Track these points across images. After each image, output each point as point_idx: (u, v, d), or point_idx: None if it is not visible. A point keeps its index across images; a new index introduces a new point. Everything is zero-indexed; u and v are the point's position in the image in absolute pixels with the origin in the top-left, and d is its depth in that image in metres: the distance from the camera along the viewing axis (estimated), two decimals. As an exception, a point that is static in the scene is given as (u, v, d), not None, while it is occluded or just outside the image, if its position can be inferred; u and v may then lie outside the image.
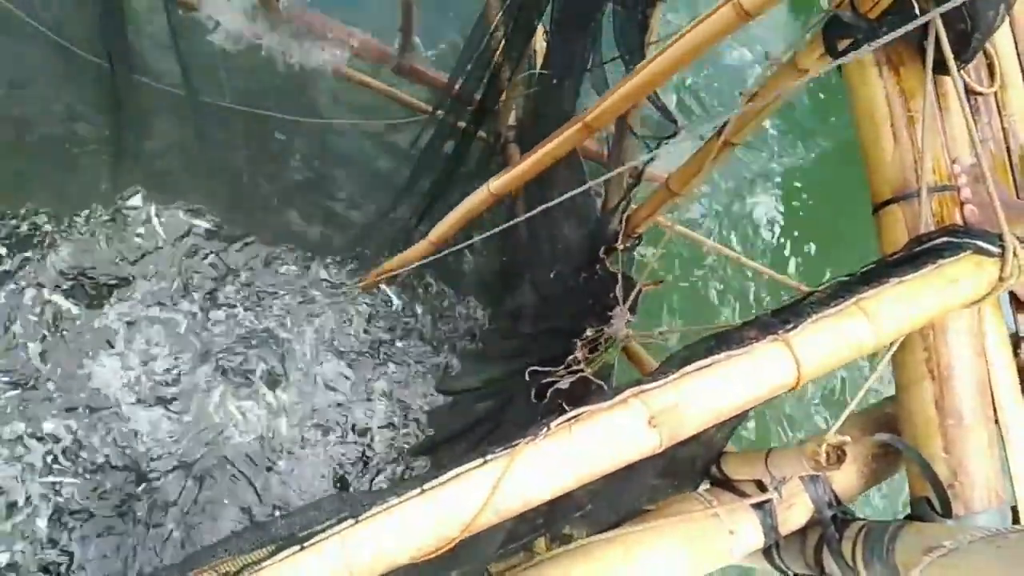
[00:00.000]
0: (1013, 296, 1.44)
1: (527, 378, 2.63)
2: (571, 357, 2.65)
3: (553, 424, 1.06)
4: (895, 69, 1.42)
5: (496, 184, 2.61)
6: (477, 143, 3.59)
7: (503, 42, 3.05)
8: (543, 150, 2.38)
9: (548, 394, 2.48)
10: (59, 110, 3.25)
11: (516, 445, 1.04)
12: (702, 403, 1.09)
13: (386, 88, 3.66)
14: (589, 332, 2.75)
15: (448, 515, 1.01)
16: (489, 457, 1.04)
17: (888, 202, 1.41)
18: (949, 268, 1.19)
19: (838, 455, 1.11)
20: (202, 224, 3.44)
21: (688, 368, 1.09)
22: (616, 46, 2.10)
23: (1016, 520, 1.29)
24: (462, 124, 3.45)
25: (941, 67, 1.32)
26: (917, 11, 1.39)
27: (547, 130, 2.98)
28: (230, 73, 3.46)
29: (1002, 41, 1.50)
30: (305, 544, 0.96)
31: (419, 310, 3.62)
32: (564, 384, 2.49)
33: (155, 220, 3.35)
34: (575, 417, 1.06)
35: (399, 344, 3.48)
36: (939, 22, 1.30)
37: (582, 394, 2.52)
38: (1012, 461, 1.33)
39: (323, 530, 0.97)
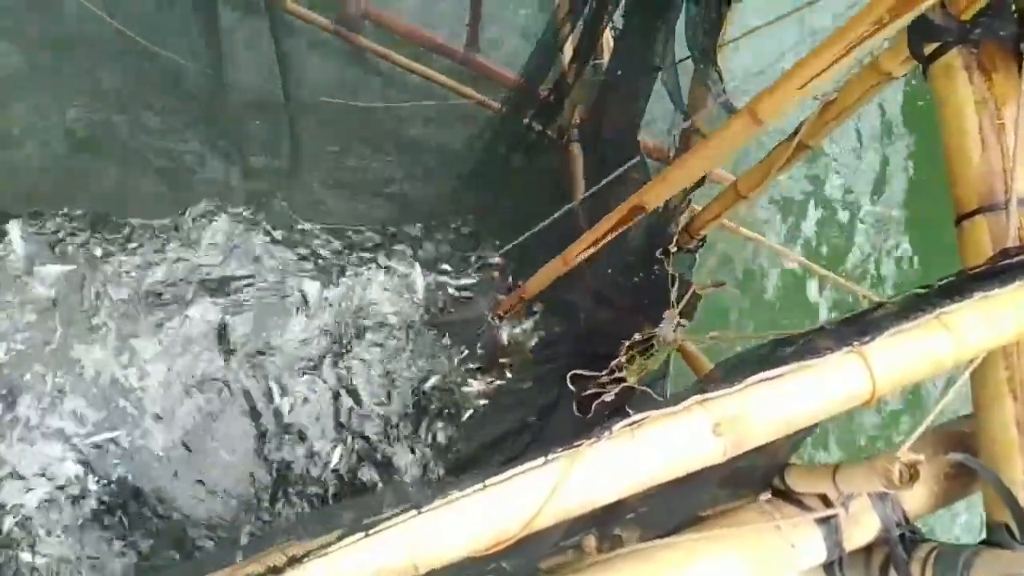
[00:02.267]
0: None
1: (570, 386, 2.61)
2: (615, 362, 2.61)
3: (615, 428, 1.05)
4: (987, 74, 1.36)
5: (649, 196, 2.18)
6: (539, 141, 3.60)
7: (572, 40, 3.04)
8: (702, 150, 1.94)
9: (593, 407, 2.46)
10: (147, 118, 3.38)
11: (578, 446, 1.05)
12: (770, 413, 1.07)
13: (453, 84, 3.69)
14: (638, 336, 2.71)
15: (508, 513, 1.02)
16: (551, 457, 1.04)
17: (973, 213, 1.35)
18: (1041, 285, 1.13)
19: (911, 473, 1.07)
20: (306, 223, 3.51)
21: (754, 377, 1.07)
22: (688, 47, 2.07)
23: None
24: (527, 121, 3.46)
25: (1039, 72, 1.26)
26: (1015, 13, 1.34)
27: (611, 130, 2.98)
28: (311, 69, 3.55)
29: (1107, 46, 1.42)
30: (370, 532, 0.98)
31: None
32: (609, 397, 2.45)
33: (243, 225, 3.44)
34: (637, 422, 1.06)
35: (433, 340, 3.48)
36: (1039, 25, 1.23)
37: (626, 403, 2.48)
38: (1100, 490, 1.26)
39: (387, 518, 0.99)
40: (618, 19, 2.80)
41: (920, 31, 1.48)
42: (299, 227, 3.50)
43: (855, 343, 1.09)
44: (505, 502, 1.02)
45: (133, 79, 3.24)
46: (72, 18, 3.14)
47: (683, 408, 1.06)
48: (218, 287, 3.29)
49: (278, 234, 3.45)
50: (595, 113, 3.13)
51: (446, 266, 3.65)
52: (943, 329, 1.10)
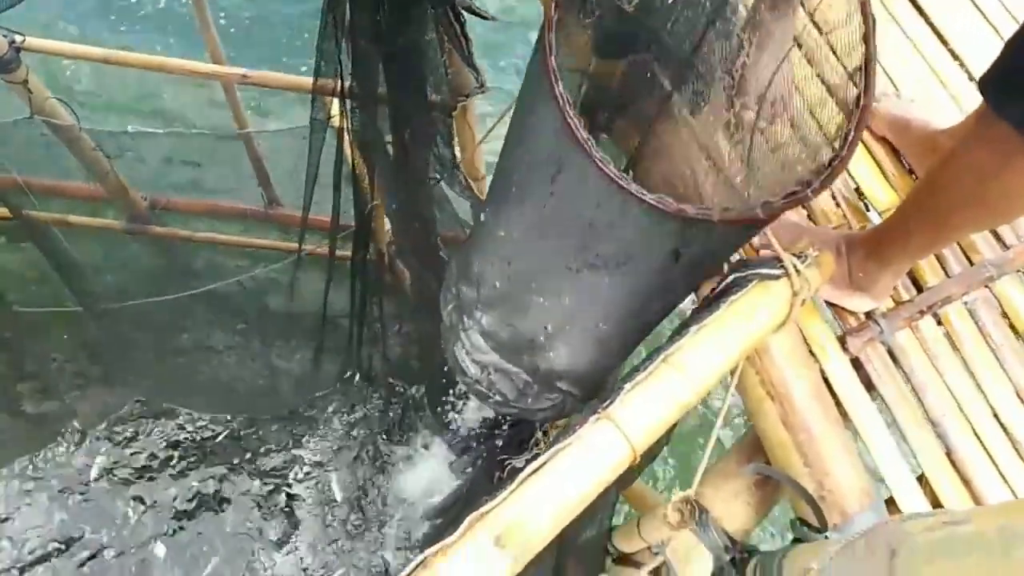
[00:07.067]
0: (829, 303, 1.52)
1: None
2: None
3: (403, 573, 1.05)
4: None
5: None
6: (367, 266, 3.65)
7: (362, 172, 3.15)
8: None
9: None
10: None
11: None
12: (545, 506, 1.10)
13: (264, 242, 3.72)
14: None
15: None
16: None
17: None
18: (741, 301, 1.25)
19: (690, 510, 1.13)
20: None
21: (520, 476, 1.10)
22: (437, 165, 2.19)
23: (893, 512, 1.32)
24: (347, 252, 3.52)
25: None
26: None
27: (419, 241, 3.08)
28: (111, 273, 3.49)
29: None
30: None
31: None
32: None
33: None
34: (422, 563, 1.06)
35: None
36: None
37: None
38: (873, 453, 1.37)
39: None
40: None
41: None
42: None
43: (600, 409, 1.16)
44: None
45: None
46: None
47: (461, 534, 1.08)
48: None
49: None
50: (400, 229, 3.24)
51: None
52: (671, 369, 1.18)
